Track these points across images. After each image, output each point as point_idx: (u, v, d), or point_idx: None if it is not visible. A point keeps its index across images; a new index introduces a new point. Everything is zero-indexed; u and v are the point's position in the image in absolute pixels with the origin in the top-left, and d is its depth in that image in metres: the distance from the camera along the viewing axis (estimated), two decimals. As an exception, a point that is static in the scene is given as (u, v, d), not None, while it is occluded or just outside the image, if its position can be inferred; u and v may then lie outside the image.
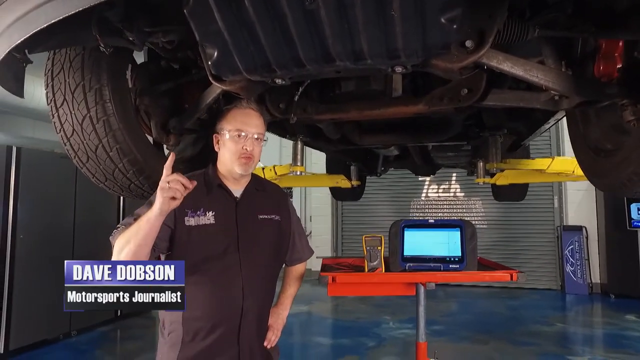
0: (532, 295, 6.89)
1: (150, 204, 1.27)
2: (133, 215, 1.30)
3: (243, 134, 1.38)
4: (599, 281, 6.95)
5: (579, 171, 2.61)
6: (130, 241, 1.18)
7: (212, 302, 1.33)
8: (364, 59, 1.07)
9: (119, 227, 1.29)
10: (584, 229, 7.00)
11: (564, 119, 1.90)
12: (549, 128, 2.50)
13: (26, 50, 1.07)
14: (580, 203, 7.03)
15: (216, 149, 1.44)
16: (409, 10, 0.92)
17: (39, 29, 0.84)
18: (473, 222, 6.71)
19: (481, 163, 3.00)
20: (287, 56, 1.08)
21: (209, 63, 1.14)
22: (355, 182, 3.94)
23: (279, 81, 1.22)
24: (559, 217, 7.23)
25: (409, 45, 1.01)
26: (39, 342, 4.42)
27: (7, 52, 0.94)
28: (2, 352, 4.05)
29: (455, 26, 0.95)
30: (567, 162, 2.69)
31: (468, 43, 1.05)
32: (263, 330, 1.46)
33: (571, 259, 6.94)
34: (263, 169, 3.24)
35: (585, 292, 6.82)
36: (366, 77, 1.63)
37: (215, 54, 1.10)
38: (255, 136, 1.40)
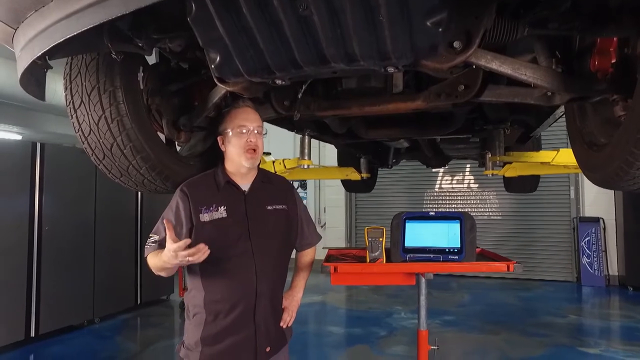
0: (546, 287, 6.85)
1: (172, 211, 1.50)
2: (162, 221, 1.49)
3: (244, 130, 1.53)
4: (617, 273, 6.85)
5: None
6: (161, 271, 1.45)
7: (229, 286, 1.47)
8: (357, 61, 1.12)
9: (151, 237, 1.50)
10: (601, 220, 6.89)
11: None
12: (558, 119, 2.49)
13: (46, 57, 1.17)
14: (598, 194, 6.90)
15: (222, 149, 1.59)
16: (396, 16, 0.97)
17: (56, 43, 0.93)
18: (487, 214, 6.64)
19: (489, 155, 3.01)
20: (284, 59, 1.14)
21: (213, 66, 1.21)
22: (365, 175, 3.99)
23: (279, 82, 1.29)
24: (575, 208, 7.13)
25: (398, 47, 1.06)
26: (66, 327, 4.68)
27: (30, 62, 1.04)
28: (33, 335, 4.31)
29: (440, 29, 1.00)
30: (572, 154, 2.66)
31: (456, 44, 1.09)
32: (276, 309, 1.59)
33: (587, 251, 6.85)
34: (273, 162, 3.32)
35: (602, 284, 6.73)
36: (367, 74, 1.68)
37: (218, 58, 1.17)
38: (256, 130, 1.55)
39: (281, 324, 1.60)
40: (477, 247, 2.01)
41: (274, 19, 1.02)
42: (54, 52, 1.04)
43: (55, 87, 6.58)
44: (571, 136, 1.64)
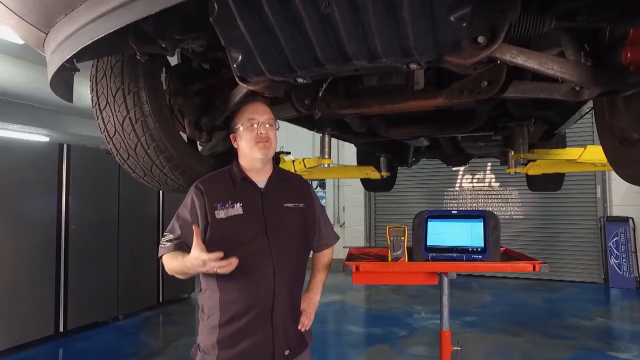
0: (571, 288, 6.66)
1: (187, 208, 1.46)
2: (177, 220, 1.47)
3: (255, 124, 1.50)
4: (648, 275, 6.61)
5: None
6: (179, 274, 1.41)
7: (245, 285, 1.43)
8: (379, 58, 1.11)
9: (165, 236, 1.46)
10: (630, 220, 6.65)
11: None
12: (584, 115, 2.42)
13: (74, 60, 1.20)
14: (627, 193, 6.66)
15: (235, 145, 1.58)
16: (419, 11, 0.95)
17: (84, 45, 0.95)
18: (509, 213, 6.51)
19: (512, 153, 2.95)
20: (306, 57, 1.14)
21: (235, 66, 1.21)
22: (384, 174, 3.96)
23: (300, 80, 1.29)
24: (602, 207, 6.91)
25: (421, 44, 1.04)
26: (92, 323, 4.81)
27: (60, 64, 1.07)
28: (62, 330, 4.47)
29: (464, 24, 0.98)
30: (600, 151, 2.57)
31: (480, 39, 1.07)
32: (295, 310, 1.55)
33: (616, 252, 6.63)
34: (293, 161, 3.33)
35: (632, 286, 6.50)
36: (388, 72, 1.66)
37: (240, 57, 1.18)
38: (267, 123, 1.52)
39: (299, 327, 1.56)
40: (501, 247, 1.97)
41: (295, 18, 1.02)
42: (82, 54, 1.06)
43: (80, 90, 6.79)
44: (600, 132, 1.59)
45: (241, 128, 1.52)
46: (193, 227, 1.34)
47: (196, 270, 1.32)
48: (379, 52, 1.09)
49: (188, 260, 1.31)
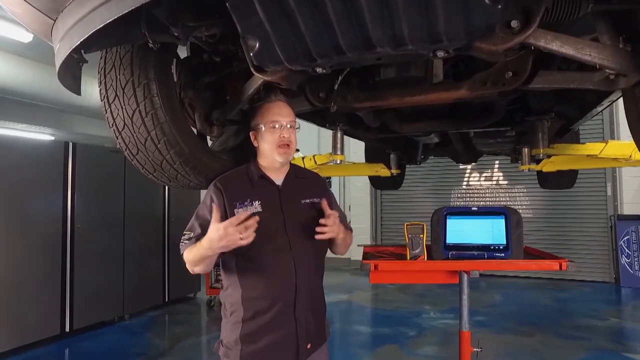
0: (582, 287, 6.57)
1: (207, 207, 1.45)
2: (197, 219, 1.47)
3: (277, 125, 1.50)
4: (660, 274, 6.50)
5: (637, 155, 2.44)
6: (199, 264, 1.40)
7: (267, 282, 1.43)
8: (405, 45, 1.05)
9: (185, 235, 1.46)
10: (642, 219, 6.56)
11: (620, 100, 1.79)
12: (601, 111, 2.35)
13: (82, 51, 1.15)
14: (638, 190, 6.57)
15: (255, 144, 1.56)
16: None
17: (95, 29, 0.89)
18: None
19: (526, 149, 2.86)
20: (327, 44, 1.08)
21: (251, 54, 1.16)
22: (395, 171, 3.89)
23: (319, 70, 1.23)
24: (612, 205, 6.80)
25: (451, 28, 0.98)
26: (98, 323, 4.78)
27: (68, 53, 1.02)
28: (68, 330, 4.43)
29: (500, 6, 0.92)
30: (623, 146, 2.51)
31: (514, 23, 1.01)
32: (315, 305, 1.56)
33: (627, 250, 6.53)
34: (303, 158, 3.27)
35: (644, 286, 6.41)
36: (406, 63, 1.60)
37: (257, 45, 1.12)
38: (289, 125, 1.52)
39: (322, 221, 1.43)
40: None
41: (317, 1, 0.96)
42: (92, 41, 1.00)
43: (86, 88, 6.77)
44: (632, 123, 1.51)
45: (263, 128, 1.51)
46: (212, 205, 1.35)
47: (216, 246, 1.30)
48: (406, 38, 1.03)
49: (207, 237, 1.31)
